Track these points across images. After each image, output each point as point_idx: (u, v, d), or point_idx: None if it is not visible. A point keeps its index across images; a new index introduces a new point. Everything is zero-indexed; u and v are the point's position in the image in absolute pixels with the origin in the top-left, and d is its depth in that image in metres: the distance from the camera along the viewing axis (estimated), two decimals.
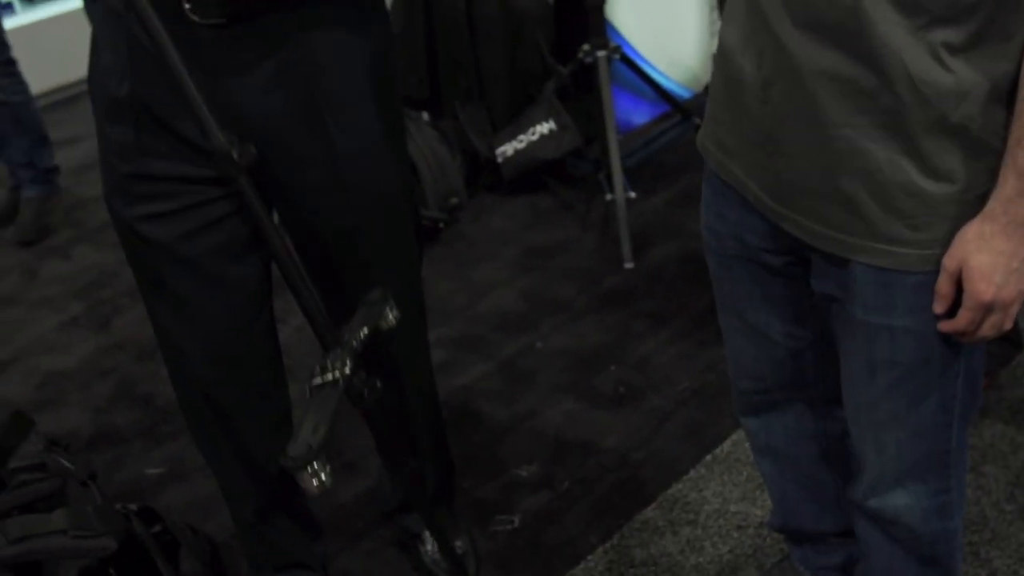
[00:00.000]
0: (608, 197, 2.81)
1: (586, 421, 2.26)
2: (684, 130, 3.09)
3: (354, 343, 1.26)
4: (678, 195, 3.05)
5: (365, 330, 1.29)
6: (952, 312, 1.14)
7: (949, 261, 1.11)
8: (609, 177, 2.79)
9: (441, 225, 2.95)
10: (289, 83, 1.34)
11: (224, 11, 1.26)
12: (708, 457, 2.12)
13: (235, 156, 1.16)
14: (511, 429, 2.27)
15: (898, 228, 1.13)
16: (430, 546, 1.90)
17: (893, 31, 1.03)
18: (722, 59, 1.23)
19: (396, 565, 1.95)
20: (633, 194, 2.86)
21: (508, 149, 3.02)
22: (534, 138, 3.01)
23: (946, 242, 1.12)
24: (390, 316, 1.34)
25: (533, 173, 3.09)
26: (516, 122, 3.05)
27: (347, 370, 1.23)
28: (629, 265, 2.74)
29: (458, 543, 1.91)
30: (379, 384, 1.30)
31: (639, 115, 3.40)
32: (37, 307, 2.91)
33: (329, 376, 1.23)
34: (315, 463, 1.17)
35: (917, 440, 1.31)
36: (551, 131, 3.01)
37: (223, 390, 1.58)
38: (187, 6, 1.25)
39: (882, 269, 1.17)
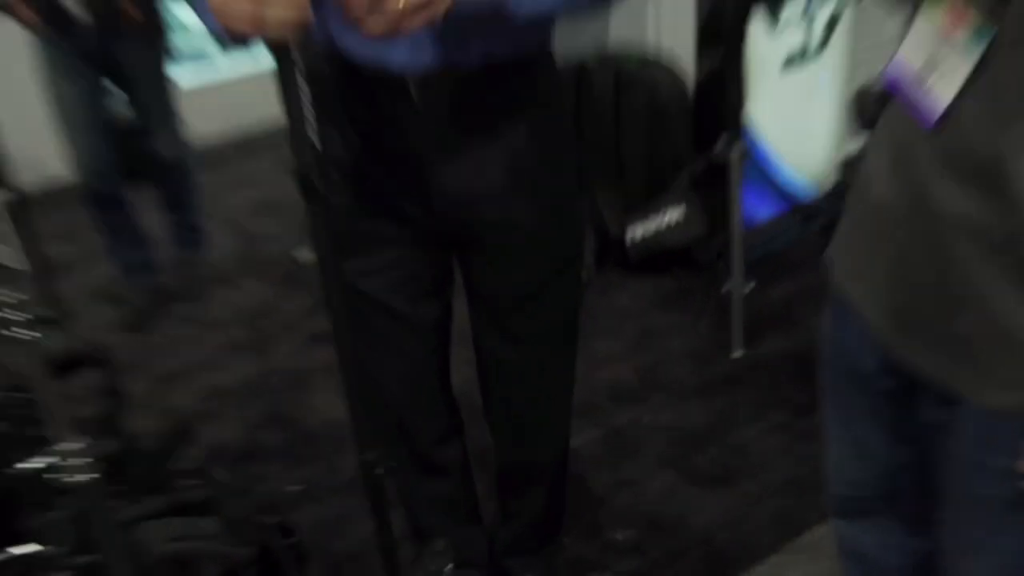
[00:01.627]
0: (726, 288, 2.98)
1: (682, 495, 2.43)
2: (805, 230, 3.24)
3: None
4: (795, 290, 3.19)
5: None
6: None
7: None
8: (729, 267, 2.96)
9: None
10: (493, 164, 1.50)
11: (445, 105, 1.46)
12: (792, 544, 2.26)
13: (318, 187, 1.23)
14: (612, 495, 2.45)
15: (1010, 373, 1.13)
16: None
17: None
18: (864, 182, 1.25)
19: None
20: (752, 285, 3.02)
21: (638, 233, 3.23)
22: (663, 226, 3.20)
23: None
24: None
25: (659, 255, 3.28)
26: (648, 207, 3.25)
27: None
28: (738, 354, 2.91)
29: None
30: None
31: (765, 207, 3.55)
32: (207, 328, 3.26)
33: None
34: None
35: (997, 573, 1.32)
36: (680, 219, 3.20)
37: (409, 410, 1.84)
38: (414, 97, 1.44)
39: (988, 409, 1.16)
